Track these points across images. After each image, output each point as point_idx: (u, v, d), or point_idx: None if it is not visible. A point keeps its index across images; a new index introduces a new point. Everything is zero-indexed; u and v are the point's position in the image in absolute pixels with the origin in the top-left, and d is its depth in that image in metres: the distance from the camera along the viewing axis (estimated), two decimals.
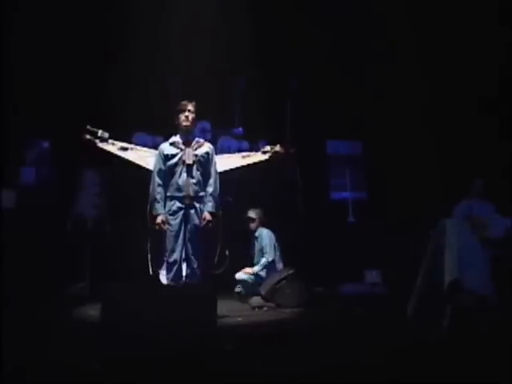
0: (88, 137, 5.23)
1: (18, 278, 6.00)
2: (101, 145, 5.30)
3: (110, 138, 5.35)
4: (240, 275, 6.41)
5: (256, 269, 6.41)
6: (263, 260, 6.42)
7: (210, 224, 5.03)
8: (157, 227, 4.99)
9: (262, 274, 6.38)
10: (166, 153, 5.12)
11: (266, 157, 5.43)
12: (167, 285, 4.96)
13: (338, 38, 7.77)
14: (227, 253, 5.17)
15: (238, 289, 6.44)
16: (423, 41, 7.50)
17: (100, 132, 5.29)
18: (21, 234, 6.63)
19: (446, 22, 7.31)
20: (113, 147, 5.33)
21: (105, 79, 7.39)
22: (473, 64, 7.25)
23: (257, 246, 6.58)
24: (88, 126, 5.29)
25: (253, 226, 6.65)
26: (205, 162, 5.14)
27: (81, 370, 3.10)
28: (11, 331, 4.01)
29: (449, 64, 7.41)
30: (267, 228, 6.63)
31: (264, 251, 6.46)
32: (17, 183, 7.12)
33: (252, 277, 6.38)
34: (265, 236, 6.54)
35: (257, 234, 6.61)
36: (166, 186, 5.07)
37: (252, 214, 6.67)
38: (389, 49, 7.66)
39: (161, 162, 5.10)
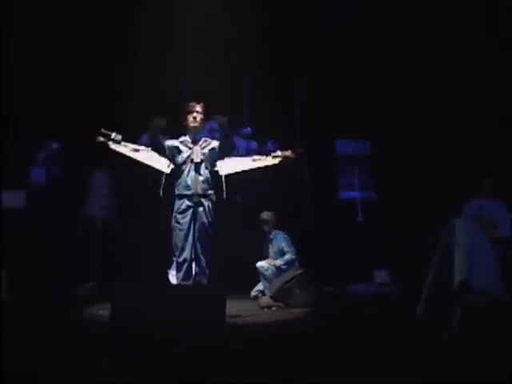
0: (101, 139, 5.26)
1: (27, 277, 6.03)
2: (113, 146, 5.32)
3: (122, 140, 5.39)
4: (262, 264, 6.42)
5: (278, 262, 6.42)
6: (287, 256, 6.44)
7: None
8: None
9: (284, 268, 6.39)
10: (176, 145, 5.21)
11: (276, 161, 5.45)
12: (176, 285, 4.98)
13: (346, 37, 7.75)
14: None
15: (254, 292, 6.46)
16: (432, 41, 7.46)
17: (113, 134, 5.31)
18: (30, 233, 6.66)
19: (456, 21, 7.28)
20: (125, 149, 5.36)
21: (114, 80, 7.42)
22: (482, 62, 7.22)
23: (272, 248, 6.60)
24: (102, 129, 5.33)
25: (266, 228, 6.69)
26: (212, 158, 5.19)
27: (90, 370, 3.11)
28: (21, 330, 4.04)
29: (457, 63, 7.37)
30: (281, 230, 6.67)
31: (285, 250, 6.48)
32: (27, 183, 7.15)
33: (273, 268, 6.38)
34: (281, 238, 6.58)
35: (271, 237, 6.64)
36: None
37: (265, 216, 6.70)
38: (398, 48, 7.63)
39: (171, 145, 5.21)
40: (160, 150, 5.22)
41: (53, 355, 3.45)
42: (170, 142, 5.25)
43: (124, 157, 5.46)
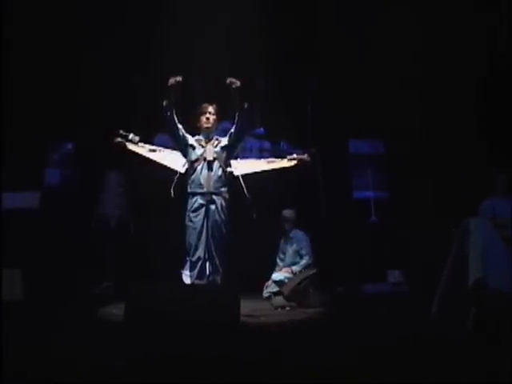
0: (119, 139, 5.31)
1: (42, 277, 6.08)
2: (131, 147, 5.38)
3: (140, 141, 5.44)
4: (277, 276, 6.40)
5: (295, 268, 6.41)
6: (304, 261, 6.42)
7: None
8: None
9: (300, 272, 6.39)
10: (190, 142, 5.22)
11: (291, 164, 5.46)
12: (190, 284, 4.99)
13: (359, 37, 7.72)
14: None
15: (266, 294, 6.44)
16: (445, 41, 7.42)
17: (131, 135, 5.37)
18: (45, 233, 6.72)
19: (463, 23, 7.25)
20: (142, 149, 5.42)
21: (127, 81, 7.46)
22: (492, 62, 7.18)
23: (291, 247, 6.57)
24: (121, 131, 5.39)
25: (287, 226, 6.68)
26: (225, 154, 5.21)
27: (104, 369, 3.13)
28: (35, 330, 4.08)
29: (466, 64, 7.32)
30: (300, 229, 6.67)
31: (303, 253, 6.47)
32: (41, 184, 7.22)
33: (291, 276, 6.37)
34: (302, 238, 6.56)
35: (291, 235, 6.62)
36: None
37: (287, 214, 6.70)
38: (410, 48, 7.59)
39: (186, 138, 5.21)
40: (172, 127, 5.19)
41: (66, 354, 3.47)
42: (186, 134, 5.27)
43: (140, 157, 5.52)
